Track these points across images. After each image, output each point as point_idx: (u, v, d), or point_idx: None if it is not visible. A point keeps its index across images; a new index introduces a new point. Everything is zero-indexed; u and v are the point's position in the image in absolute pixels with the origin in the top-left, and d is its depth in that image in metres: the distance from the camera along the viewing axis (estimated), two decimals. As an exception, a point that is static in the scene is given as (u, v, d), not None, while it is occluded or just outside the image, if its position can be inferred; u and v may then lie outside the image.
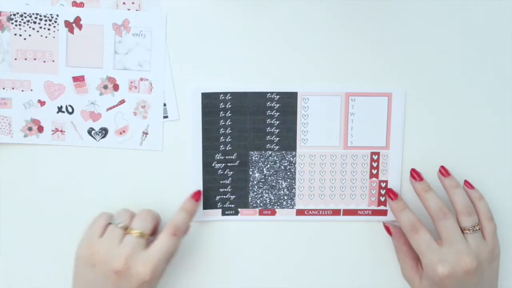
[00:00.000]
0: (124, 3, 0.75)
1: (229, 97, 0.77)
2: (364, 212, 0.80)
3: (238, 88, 0.77)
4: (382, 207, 0.80)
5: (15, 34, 0.76)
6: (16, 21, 0.75)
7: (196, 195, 0.78)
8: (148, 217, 0.75)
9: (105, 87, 0.77)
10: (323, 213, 0.79)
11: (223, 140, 0.78)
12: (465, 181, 0.77)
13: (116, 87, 0.77)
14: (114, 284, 0.71)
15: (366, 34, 0.77)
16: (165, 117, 0.78)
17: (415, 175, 0.77)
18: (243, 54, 0.77)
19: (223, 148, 0.78)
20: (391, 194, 0.78)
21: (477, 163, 0.79)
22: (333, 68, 0.77)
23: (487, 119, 0.79)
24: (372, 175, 0.79)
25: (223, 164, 0.78)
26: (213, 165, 0.78)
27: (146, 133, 0.78)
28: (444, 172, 0.77)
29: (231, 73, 0.77)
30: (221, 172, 0.78)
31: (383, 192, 0.79)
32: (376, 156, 0.78)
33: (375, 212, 0.80)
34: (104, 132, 0.78)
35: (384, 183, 0.79)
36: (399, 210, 0.76)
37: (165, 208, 0.78)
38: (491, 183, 0.79)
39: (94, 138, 0.78)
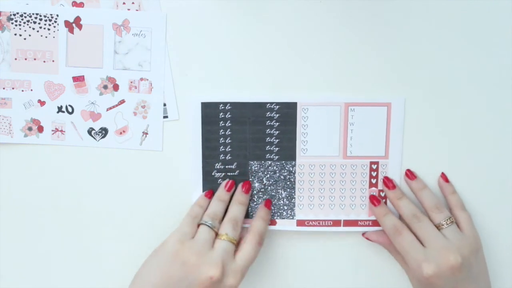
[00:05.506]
0: (124, 3, 0.75)
1: (229, 107, 0.77)
2: (364, 223, 0.79)
3: (237, 98, 0.77)
4: None
5: (15, 34, 0.75)
6: (16, 21, 0.75)
7: (267, 204, 0.78)
8: (238, 223, 0.75)
9: (105, 87, 0.77)
10: (324, 224, 0.79)
11: (223, 149, 0.78)
12: (442, 173, 0.78)
13: (116, 87, 0.77)
14: None
15: (365, 44, 0.76)
16: (165, 117, 0.78)
17: (388, 183, 0.78)
18: (242, 63, 0.76)
19: (223, 157, 0.78)
20: (374, 200, 0.78)
21: (477, 172, 0.79)
22: (333, 78, 0.77)
23: (487, 127, 0.78)
24: (371, 185, 0.79)
25: (223, 174, 0.78)
26: (213, 174, 0.78)
27: (146, 133, 0.78)
28: (410, 175, 0.78)
29: (230, 82, 0.77)
30: (221, 182, 0.78)
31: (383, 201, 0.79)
32: (376, 165, 0.78)
33: (375, 223, 0.79)
34: (104, 132, 0.78)
35: (384, 193, 0.79)
36: (382, 215, 0.77)
37: (165, 208, 0.79)
38: (491, 191, 0.80)
39: (94, 138, 0.78)
